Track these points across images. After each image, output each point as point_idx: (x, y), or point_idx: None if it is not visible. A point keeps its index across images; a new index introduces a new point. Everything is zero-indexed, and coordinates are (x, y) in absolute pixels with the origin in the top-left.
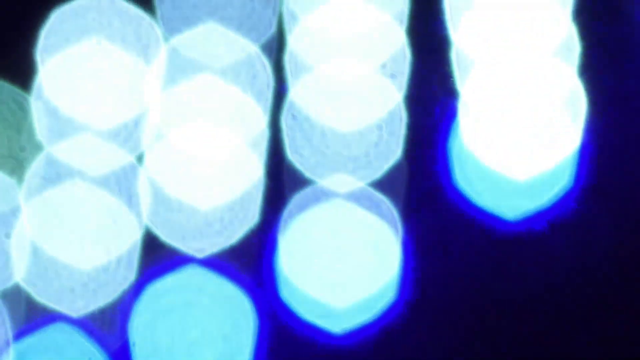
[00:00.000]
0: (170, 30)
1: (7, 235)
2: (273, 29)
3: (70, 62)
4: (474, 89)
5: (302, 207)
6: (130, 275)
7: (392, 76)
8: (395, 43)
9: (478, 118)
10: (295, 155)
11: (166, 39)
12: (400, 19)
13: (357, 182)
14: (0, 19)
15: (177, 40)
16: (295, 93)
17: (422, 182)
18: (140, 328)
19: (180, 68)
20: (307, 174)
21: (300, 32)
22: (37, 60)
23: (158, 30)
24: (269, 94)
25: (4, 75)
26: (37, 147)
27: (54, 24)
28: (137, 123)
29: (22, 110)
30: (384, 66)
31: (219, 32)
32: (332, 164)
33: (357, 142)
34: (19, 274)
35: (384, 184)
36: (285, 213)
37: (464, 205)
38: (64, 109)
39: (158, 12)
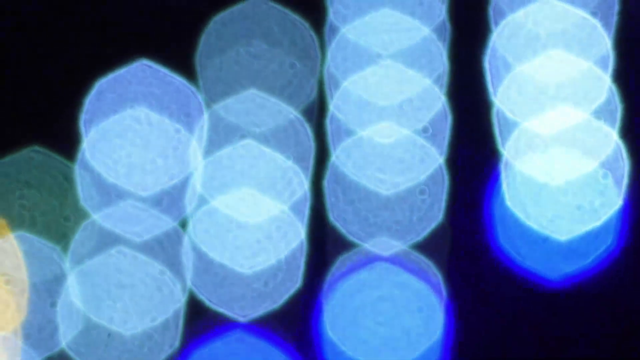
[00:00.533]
0: (212, 96)
1: (53, 304)
2: (314, 94)
3: (113, 131)
4: (515, 149)
5: (346, 271)
6: (174, 341)
7: (434, 138)
8: (436, 105)
9: (520, 178)
10: (338, 219)
11: (208, 106)
12: (440, 81)
13: (400, 245)
14: (45, 88)
15: (219, 106)
16: (337, 157)
17: (465, 243)
18: None
19: (222, 134)
20: (350, 237)
21: (341, 97)
22: (81, 129)
23: (200, 97)
24: (310, 159)
25: (48, 144)
26: (82, 215)
27: (98, 93)
28: (180, 189)
29: (67, 179)
30: (425, 129)
31: (261, 98)
32: (375, 227)
33: (400, 205)
34: (65, 341)
35: (427, 247)
36: (329, 277)
37: (508, 266)
38: (108, 177)
39: (199, 79)
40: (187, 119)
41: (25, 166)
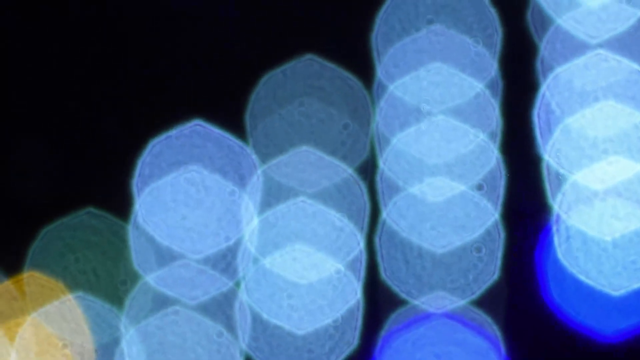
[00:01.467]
0: (264, 156)
1: None
2: (366, 152)
3: (167, 192)
4: (567, 203)
5: (401, 328)
6: None
7: (488, 195)
8: (489, 161)
9: (572, 233)
10: (391, 277)
11: (260, 165)
12: (493, 137)
13: (455, 301)
14: (100, 149)
15: (272, 165)
16: (388, 215)
17: (520, 299)
18: None
19: (275, 193)
20: (404, 294)
21: (391, 154)
22: (134, 190)
23: (252, 156)
24: (364, 217)
25: (103, 205)
26: (137, 277)
27: (151, 154)
28: (234, 249)
29: (122, 240)
30: (479, 186)
31: (314, 156)
32: (430, 284)
33: (455, 263)
34: None
35: (483, 302)
36: (384, 335)
37: (563, 321)
38: (162, 239)
39: (251, 138)
40: (241, 179)
41: (81, 228)
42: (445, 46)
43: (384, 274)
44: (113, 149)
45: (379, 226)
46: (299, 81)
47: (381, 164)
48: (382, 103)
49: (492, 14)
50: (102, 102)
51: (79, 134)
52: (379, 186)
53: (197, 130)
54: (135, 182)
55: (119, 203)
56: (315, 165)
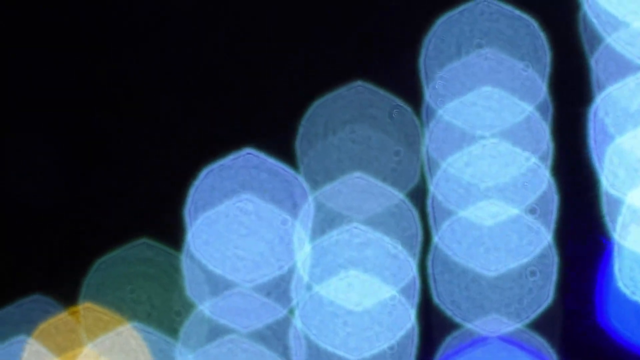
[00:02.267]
0: (316, 183)
1: None
2: (417, 177)
3: (220, 220)
4: (622, 226)
5: (456, 352)
6: None
7: (541, 218)
8: (541, 184)
9: (629, 255)
10: (444, 301)
11: (312, 192)
12: (544, 159)
13: (509, 324)
14: (152, 178)
15: (323, 192)
16: (440, 239)
17: (576, 322)
18: None
19: (327, 220)
20: (458, 318)
21: (441, 178)
22: (187, 219)
23: (304, 184)
24: (417, 241)
25: (156, 235)
26: (191, 306)
27: (204, 183)
28: (287, 276)
29: (176, 270)
30: (532, 210)
31: (365, 183)
32: (483, 308)
33: (509, 286)
34: None
35: (538, 325)
36: (440, 358)
37: (619, 345)
38: (215, 268)
39: (302, 166)
40: (293, 207)
41: (136, 259)
42: (495, 69)
43: (438, 299)
44: (166, 178)
45: (432, 251)
46: (350, 108)
47: (432, 188)
48: (432, 127)
49: (542, 35)
50: (156, 131)
51: (132, 164)
52: (430, 210)
53: (249, 159)
54: (188, 210)
55: (173, 232)
56: (367, 191)
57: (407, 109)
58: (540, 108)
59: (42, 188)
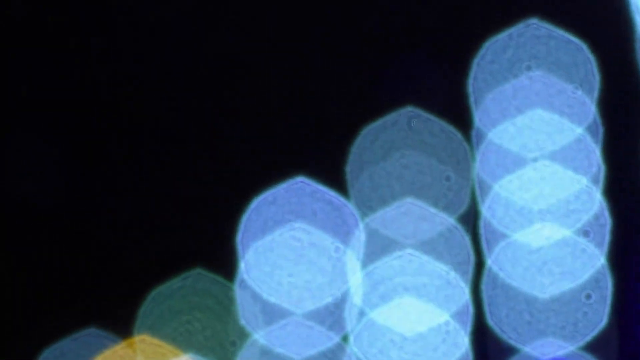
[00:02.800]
0: (366, 209)
1: None
2: (468, 201)
3: (271, 248)
4: None
5: None
6: None
7: (592, 239)
8: (593, 206)
9: None
10: (498, 325)
11: (363, 219)
12: (596, 181)
13: (564, 347)
14: (204, 208)
15: (374, 218)
16: (493, 262)
17: (631, 344)
18: None
19: (378, 246)
20: (512, 342)
21: (492, 201)
22: (238, 248)
23: (354, 210)
24: (470, 266)
25: (207, 265)
26: (246, 336)
27: (255, 211)
28: (341, 303)
29: (229, 300)
30: (585, 233)
31: (416, 208)
32: (538, 331)
33: (563, 309)
34: None
35: (593, 348)
36: None
37: None
38: (269, 296)
39: (352, 192)
40: (345, 234)
41: (190, 289)
42: (544, 92)
43: (492, 322)
44: (217, 206)
45: (485, 274)
46: (400, 133)
47: (484, 211)
48: (482, 150)
49: (591, 58)
50: (207, 160)
51: (185, 193)
52: (483, 234)
53: (300, 187)
54: (240, 239)
55: (226, 262)
56: (418, 216)
57: (456, 132)
58: (590, 129)
59: (99, 226)
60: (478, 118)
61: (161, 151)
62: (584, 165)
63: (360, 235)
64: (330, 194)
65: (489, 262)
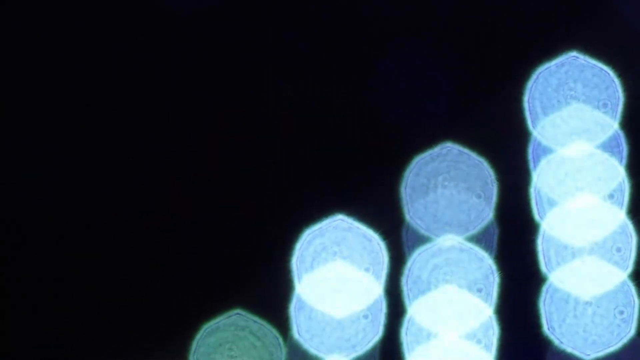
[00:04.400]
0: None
1: None
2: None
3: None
4: None
5: None
6: None
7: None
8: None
9: None
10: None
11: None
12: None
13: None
14: (251, 242)
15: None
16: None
17: None
18: None
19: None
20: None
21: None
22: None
23: (383, 247)
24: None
25: (254, 304)
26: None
27: (300, 248)
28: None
29: (270, 342)
30: (617, 247)
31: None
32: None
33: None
34: None
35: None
36: None
37: None
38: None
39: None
40: (375, 267)
41: (232, 327)
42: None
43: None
44: (261, 242)
45: (545, 288)
46: (441, 167)
47: (543, 224)
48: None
49: (616, 82)
50: (246, 198)
51: (223, 232)
52: (542, 245)
53: (339, 224)
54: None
55: (267, 300)
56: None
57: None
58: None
59: (140, 263)
60: (536, 137)
61: (205, 192)
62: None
63: (386, 269)
64: (366, 232)
65: (548, 272)
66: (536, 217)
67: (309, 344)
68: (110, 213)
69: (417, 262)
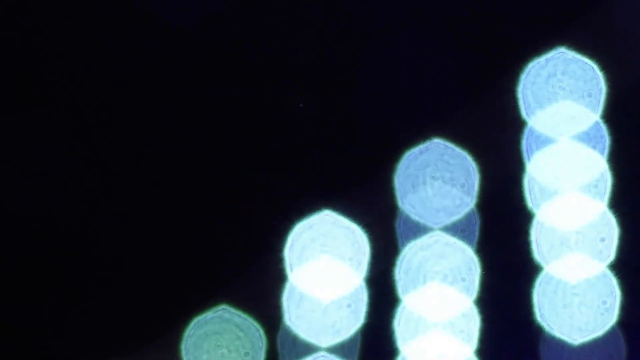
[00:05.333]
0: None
1: None
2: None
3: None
4: None
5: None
6: None
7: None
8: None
9: None
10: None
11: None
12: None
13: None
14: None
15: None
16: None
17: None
18: None
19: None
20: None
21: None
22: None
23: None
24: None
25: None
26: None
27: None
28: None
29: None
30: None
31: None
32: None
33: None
34: None
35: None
36: None
37: None
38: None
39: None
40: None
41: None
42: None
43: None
44: (254, 236)
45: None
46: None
47: (539, 214)
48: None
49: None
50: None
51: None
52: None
53: (326, 219)
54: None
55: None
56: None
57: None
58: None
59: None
60: (531, 128)
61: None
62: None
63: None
64: (355, 227)
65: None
66: (529, 206)
67: (298, 330)
68: (101, 210)
69: (407, 254)
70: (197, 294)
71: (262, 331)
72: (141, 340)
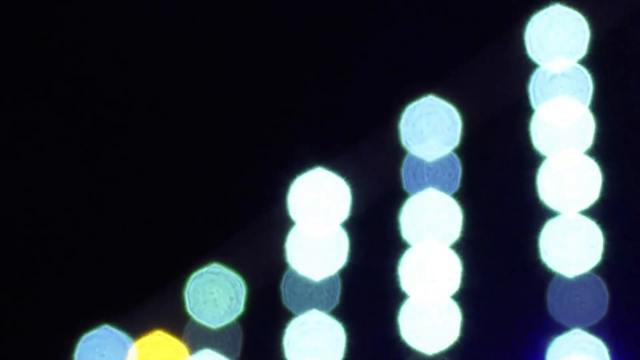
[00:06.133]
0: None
1: None
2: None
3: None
4: None
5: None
6: None
7: None
8: None
9: None
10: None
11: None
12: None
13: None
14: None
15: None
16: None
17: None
18: None
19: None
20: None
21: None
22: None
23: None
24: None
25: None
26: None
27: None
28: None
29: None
30: None
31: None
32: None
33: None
34: None
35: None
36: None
37: None
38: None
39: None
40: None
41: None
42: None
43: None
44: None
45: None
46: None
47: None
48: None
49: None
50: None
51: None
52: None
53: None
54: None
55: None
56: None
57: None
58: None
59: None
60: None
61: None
62: None
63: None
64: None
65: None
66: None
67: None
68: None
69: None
70: (202, 252)
71: (243, 282)
72: (151, 290)
